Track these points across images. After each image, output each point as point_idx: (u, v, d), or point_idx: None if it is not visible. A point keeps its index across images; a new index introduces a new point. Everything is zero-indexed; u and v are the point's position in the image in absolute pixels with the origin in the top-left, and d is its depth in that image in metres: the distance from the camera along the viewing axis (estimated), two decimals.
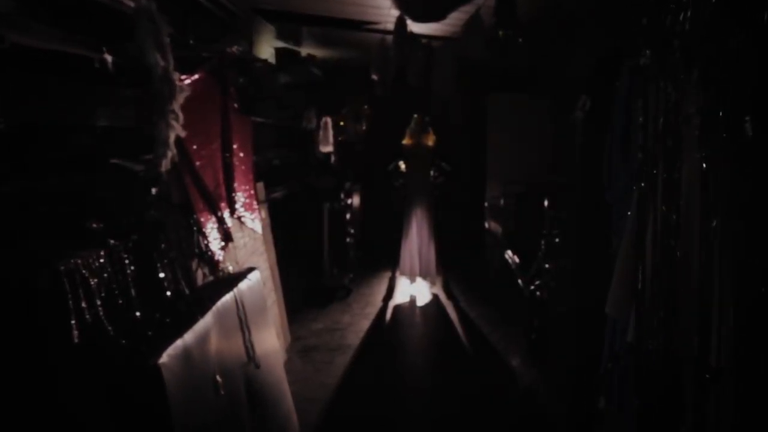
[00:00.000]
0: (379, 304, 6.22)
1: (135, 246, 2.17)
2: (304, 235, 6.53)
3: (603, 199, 2.45)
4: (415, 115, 6.89)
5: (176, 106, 2.81)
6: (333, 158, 7.02)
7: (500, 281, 6.59)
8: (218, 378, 2.42)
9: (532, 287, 4.59)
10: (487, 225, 7.84)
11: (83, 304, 1.78)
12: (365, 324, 5.53)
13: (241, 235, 4.11)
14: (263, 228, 4.68)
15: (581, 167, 2.72)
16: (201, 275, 2.89)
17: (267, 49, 6.39)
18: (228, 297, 2.76)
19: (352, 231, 7.21)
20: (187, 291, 2.42)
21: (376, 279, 7.27)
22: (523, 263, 5.86)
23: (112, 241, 2.04)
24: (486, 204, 8.04)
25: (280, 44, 6.39)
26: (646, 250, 1.72)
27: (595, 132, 2.51)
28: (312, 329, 5.36)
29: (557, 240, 4.38)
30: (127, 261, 2.09)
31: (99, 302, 1.86)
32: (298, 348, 4.85)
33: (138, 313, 2.08)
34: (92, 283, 1.85)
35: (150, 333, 2.11)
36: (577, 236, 2.95)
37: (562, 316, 3.78)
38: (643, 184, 1.79)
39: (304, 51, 6.64)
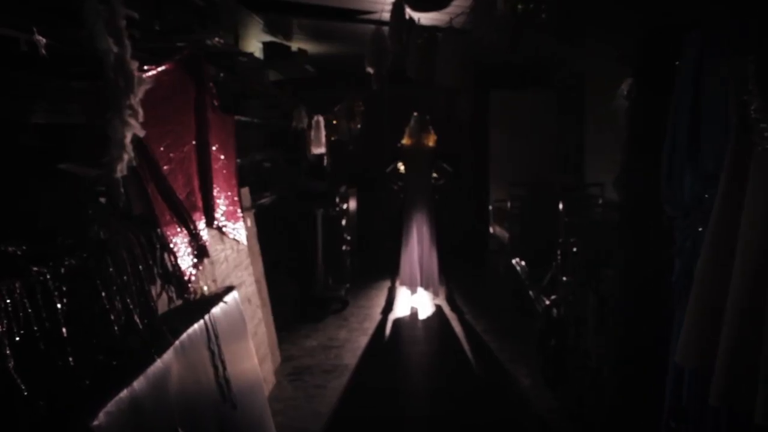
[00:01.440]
0: (378, 317, 5.77)
1: (70, 273, 1.72)
2: (296, 244, 6.09)
3: (655, 209, 1.98)
4: (415, 113, 6.43)
5: (134, 100, 2.37)
6: (326, 160, 6.57)
7: (507, 290, 6.15)
8: (180, 430, 1.98)
9: (548, 302, 4.15)
10: (492, 229, 7.41)
11: None
12: (363, 341, 5.08)
13: (222, 248, 3.67)
14: (249, 238, 4.23)
15: (626, 169, 2.25)
16: (166, 301, 2.44)
17: (254, 43, 5.95)
18: (197, 327, 2.32)
19: (348, 238, 6.77)
20: (142, 324, 1.97)
21: (374, 289, 6.82)
22: (532, 271, 5.44)
23: (35, 269, 1.60)
24: (490, 207, 7.61)
25: (269, 38, 5.96)
26: None
27: (647, 124, 2.06)
28: (305, 347, 4.91)
29: (575, 250, 3.94)
30: (57, 293, 1.64)
31: (8, 352, 1.42)
32: (289, 370, 4.40)
33: (72, 360, 1.63)
34: None
35: (87, 384, 1.66)
36: (617, 254, 2.44)
37: (590, 347, 3.34)
38: None
39: (294, 45, 6.20)
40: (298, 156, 6.43)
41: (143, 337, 1.94)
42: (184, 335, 2.16)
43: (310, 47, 6.27)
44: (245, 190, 4.41)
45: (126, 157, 2.28)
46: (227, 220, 3.80)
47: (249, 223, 4.40)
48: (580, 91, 7.45)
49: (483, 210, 8.07)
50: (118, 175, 2.25)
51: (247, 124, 5.12)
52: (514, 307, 5.71)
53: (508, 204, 6.53)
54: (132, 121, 2.33)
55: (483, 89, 7.95)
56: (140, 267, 2.12)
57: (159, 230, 2.50)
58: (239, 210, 4.08)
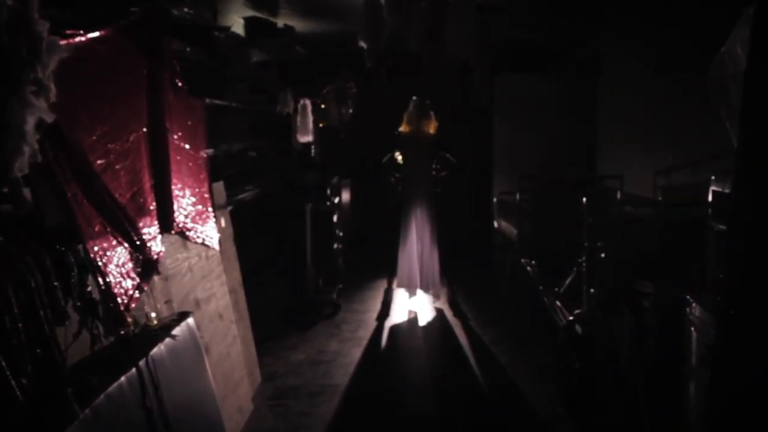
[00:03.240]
0: (373, 324, 5.19)
1: None
2: (283, 242, 5.51)
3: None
4: (414, 98, 5.79)
5: (43, 73, 1.77)
6: (314, 149, 5.95)
7: (515, 292, 5.59)
8: None
9: (571, 317, 3.57)
10: (496, 224, 6.81)
11: None
12: (356, 353, 4.50)
13: (186, 256, 3.08)
14: (222, 241, 3.64)
15: (744, 175, 1.61)
16: (90, 342, 1.84)
17: (235, 19, 5.33)
18: (124, 380, 1.72)
19: (340, 234, 6.17)
20: (26, 392, 1.38)
21: (369, 291, 6.23)
22: (545, 272, 4.87)
23: None
24: (495, 200, 7.01)
25: (251, 13, 5.33)
26: None
27: None
28: (290, 362, 4.33)
29: (603, 255, 3.36)
30: None
31: None
32: (270, 392, 3.82)
33: None
34: None
35: None
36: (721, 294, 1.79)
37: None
38: None
39: (281, 22, 5.57)
40: (287, 146, 5.83)
41: (27, 414, 1.35)
42: (102, 397, 1.57)
43: (297, 24, 5.63)
44: (219, 185, 3.82)
45: (27, 149, 1.69)
46: (193, 222, 3.21)
47: (223, 223, 3.81)
48: (593, 75, 6.86)
49: (487, 204, 7.49)
50: (17, 173, 1.67)
51: (225, 109, 4.52)
52: (525, 312, 5.15)
53: (517, 196, 5.91)
54: (38, 102, 1.74)
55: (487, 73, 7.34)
56: (38, 303, 1.52)
57: (81, 246, 1.90)
58: (210, 209, 3.48)
